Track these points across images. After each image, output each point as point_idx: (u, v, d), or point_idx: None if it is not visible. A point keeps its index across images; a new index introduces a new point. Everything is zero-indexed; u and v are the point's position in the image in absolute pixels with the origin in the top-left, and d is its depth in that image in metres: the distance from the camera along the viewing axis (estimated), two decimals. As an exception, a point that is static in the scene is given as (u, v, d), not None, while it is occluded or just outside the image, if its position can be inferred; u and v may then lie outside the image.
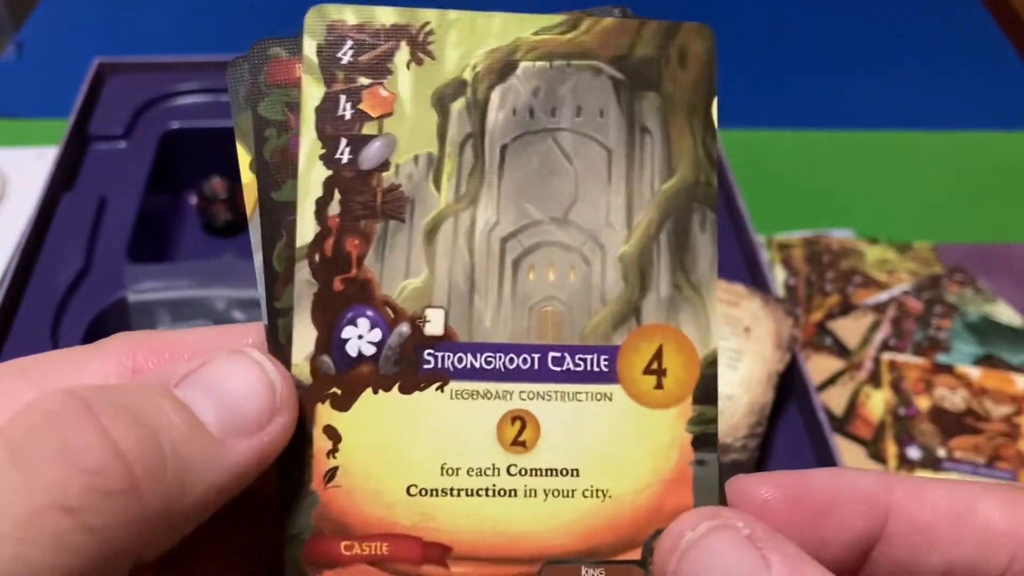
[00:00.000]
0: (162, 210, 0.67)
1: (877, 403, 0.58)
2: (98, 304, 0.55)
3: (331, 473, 0.18)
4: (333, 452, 0.18)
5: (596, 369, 0.19)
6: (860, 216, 0.72)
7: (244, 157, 0.19)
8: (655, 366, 0.19)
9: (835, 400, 0.58)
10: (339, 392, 0.18)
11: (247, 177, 0.19)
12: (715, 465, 0.19)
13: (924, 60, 0.91)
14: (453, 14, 0.19)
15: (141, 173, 0.64)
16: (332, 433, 0.18)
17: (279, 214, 0.19)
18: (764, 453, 0.50)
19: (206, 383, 0.17)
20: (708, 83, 0.20)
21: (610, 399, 0.19)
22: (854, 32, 0.94)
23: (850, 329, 0.62)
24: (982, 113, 0.84)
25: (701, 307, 0.19)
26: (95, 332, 0.54)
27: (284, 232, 0.19)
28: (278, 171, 0.19)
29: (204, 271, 0.57)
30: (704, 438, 0.19)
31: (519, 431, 0.19)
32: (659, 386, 0.19)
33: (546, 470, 0.19)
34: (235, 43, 0.87)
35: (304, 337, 0.19)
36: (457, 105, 0.19)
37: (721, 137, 0.70)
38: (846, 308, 0.64)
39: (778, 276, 0.66)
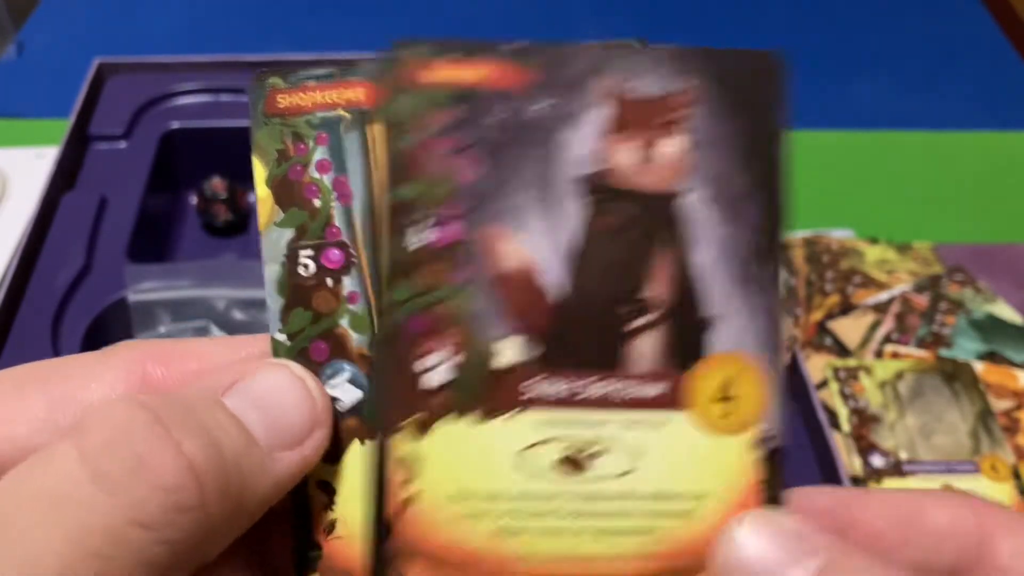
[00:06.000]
0: (162, 210, 0.67)
1: (877, 400, 0.58)
2: (98, 304, 0.55)
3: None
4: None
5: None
6: (860, 216, 0.72)
7: (260, 172, 0.19)
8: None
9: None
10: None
11: (263, 192, 0.19)
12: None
13: (924, 60, 0.91)
14: None
15: (141, 173, 0.64)
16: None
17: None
18: (764, 453, 0.50)
19: (252, 395, 0.17)
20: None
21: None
22: (854, 32, 0.94)
23: (850, 329, 0.62)
24: (982, 113, 0.84)
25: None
26: (95, 332, 0.54)
27: (286, 259, 0.19)
28: (278, 199, 0.19)
29: (204, 271, 0.57)
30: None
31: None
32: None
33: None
34: (235, 43, 0.87)
35: None
36: None
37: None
38: (846, 308, 0.64)
39: (778, 276, 0.66)
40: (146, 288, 0.55)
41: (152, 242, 0.63)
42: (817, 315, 0.63)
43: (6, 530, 0.14)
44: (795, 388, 0.53)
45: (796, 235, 0.69)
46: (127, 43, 0.88)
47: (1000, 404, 0.57)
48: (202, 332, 0.56)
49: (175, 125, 0.68)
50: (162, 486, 0.15)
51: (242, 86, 0.71)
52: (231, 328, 0.56)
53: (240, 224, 0.66)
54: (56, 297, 0.55)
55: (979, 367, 0.59)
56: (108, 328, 0.55)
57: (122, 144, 0.66)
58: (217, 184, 0.65)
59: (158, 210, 0.66)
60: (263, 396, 0.17)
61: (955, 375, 0.59)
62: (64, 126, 0.64)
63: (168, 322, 0.56)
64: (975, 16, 0.98)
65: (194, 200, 0.68)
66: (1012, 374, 0.59)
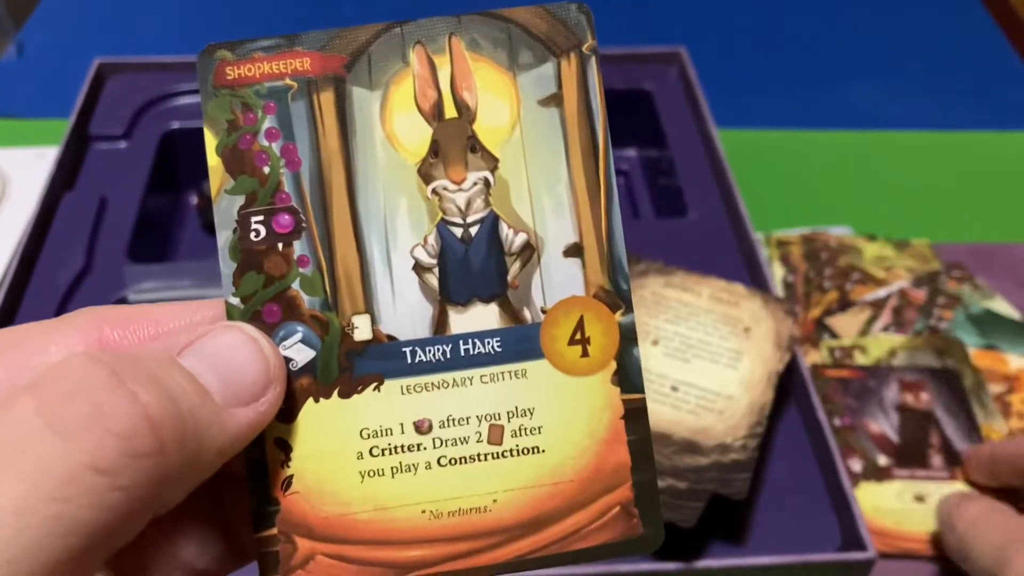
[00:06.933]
0: (162, 210, 0.67)
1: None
2: (98, 304, 0.55)
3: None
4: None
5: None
6: (858, 215, 0.72)
7: (211, 141, 0.20)
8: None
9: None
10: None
11: (213, 160, 0.20)
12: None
13: (924, 60, 0.91)
14: None
15: (141, 173, 0.64)
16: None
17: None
18: (764, 453, 0.50)
19: (207, 354, 0.18)
20: None
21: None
22: (853, 32, 0.94)
23: (848, 324, 0.62)
24: (982, 113, 0.84)
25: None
26: (95, 332, 0.54)
27: (237, 225, 0.20)
28: (229, 167, 0.20)
29: (204, 271, 0.57)
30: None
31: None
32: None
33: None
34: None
35: None
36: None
37: (720, 137, 0.70)
38: (844, 305, 0.64)
39: (777, 273, 0.66)
40: (146, 288, 0.55)
41: (152, 242, 0.63)
42: (815, 312, 0.63)
43: None
44: (795, 388, 0.53)
45: (794, 232, 0.70)
46: (127, 43, 0.88)
47: (992, 388, 0.58)
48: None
49: (175, 125, 0.68)
50: (118, 432, 0.15)
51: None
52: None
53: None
54: (56, 297, 0.55)
55: (971, 352, 0.60)
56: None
57: (122, 144, 0.67)
58: (217, 184, 0.65)
59: (158, 210, 0.66)
60: (218, 355, 0.18)
61: (947, 351, 0.59)
62: (64, 126, 0.64)
63: (168, 322, 0.56)
64: (975, 16, 0.98)
65: (194, 200, 0.68)
66: (1003, 358, 0.59)
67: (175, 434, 0.16)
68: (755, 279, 0.58)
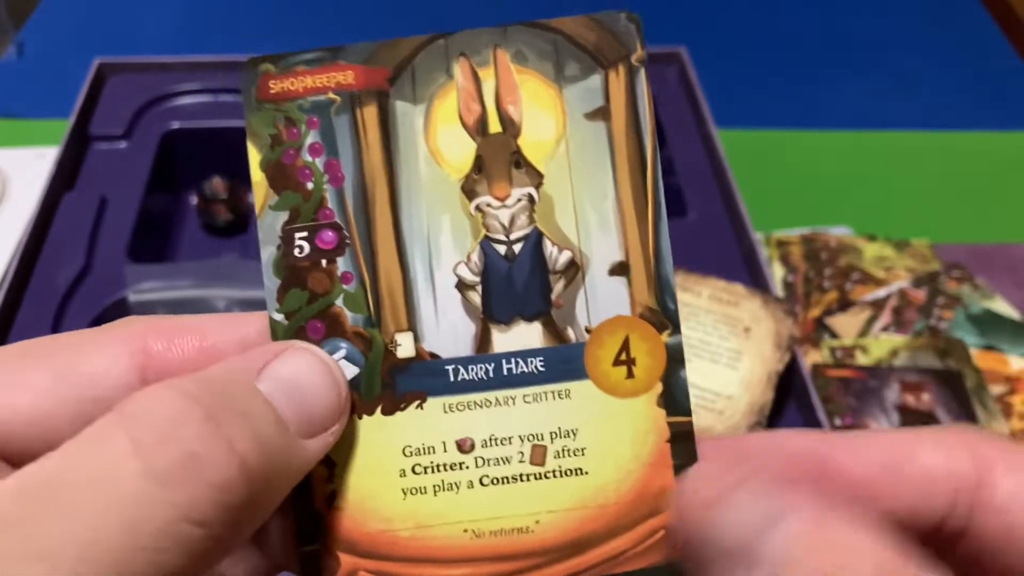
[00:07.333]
0: (162, 210, 0.67)
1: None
2: (98, 304, 0.55)
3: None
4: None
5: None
6: (858, 215, 0.72)
7: (255, 156, 0.20)
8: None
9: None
10: None
11: (257, 176, 0.20)
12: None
13: (924, 60, 0.91)
14: None
15: (141, 173, 0.64)
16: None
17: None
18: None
19: (282, 379, 0.18)
20: None
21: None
22: (853, 32, 0.94)
23: (847, 324, 0.62)
24: (982, 113, 0.84)
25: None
26: (95, 332, 0.54)
27: (281, 241, 0.20)
28: (272, 183, 0.20)
29: (204, 271, 0.57)
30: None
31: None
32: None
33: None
34: (235, 43, 0.87)
35: None
36: None
37: (720, 137, 0.70)
38: (844, 305, 0.64)
39: (776, 273, 0.66)
40: (146, 288, 0.55)
41: (152, 242, 0.63)
42: (815, 312, 0.63)
43: (64, 509, 0.14)
44: (795, 388, 0.53)
45: (794, 232, 0.70)
46: (127, 43, 0.88)
47: (993, 390, 0.58)
48: (202, 332, 0.56)
49: (175, 125, 0.68)
50: (216, 485, 0.15)
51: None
52: (231, 328, 0.56)
53: (240, 224, 0.67)
54: (56, 297, 0.55)
55: (972, 352, 0.60)
56: (108, 328, 0.55)
57: (122, 144, 0.67)
58: (217, 184, 0.65)
59: (158, 210, 0.66)
60: (293, 382, 0.18)
61: (948, 351, 0.59)
62: (64, 126, 0.64)
63: (168, 322, 0.56)
64: (975, 16, 0.98)
65: (194, 200, 0.68)
66: (1004, 359, 0.59)
67: (264, 479, 0.16)
68: (755, 279, 0.58)
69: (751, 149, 0.76)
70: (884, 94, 0.87)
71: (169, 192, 0.68)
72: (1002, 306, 0.64)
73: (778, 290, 0.58)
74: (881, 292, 0.65)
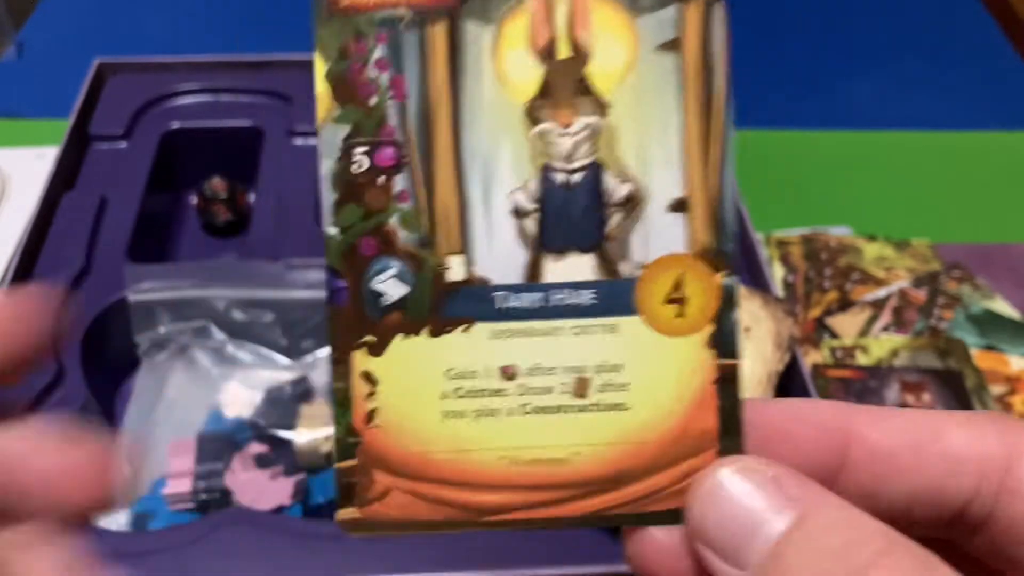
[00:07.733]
0: (162, 210, 0.67)
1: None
2: (98, 304, 0.55)
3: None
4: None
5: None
6: (858, 215, 0.72)
7: (320, 67, 0.19)
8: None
9: (834, 399, 0.58)
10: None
11: (322, 87, 0.19)
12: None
13: (924, 60, 0.91)
14: None
15: (141, 173, 0.64)
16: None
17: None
18: (763, 452, 0.50)
19: None
20: None
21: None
22: (853, 32, 0.94)
23: (848, 324, 0.62)
24: (982, 113, 0.84)
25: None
26: (95, 332, 0.54)
27: (341, 155, 0.19)
28: (336, 95, 0.20)
29: (204, 271, 0.57)
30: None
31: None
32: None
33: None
34: (235, 43, 0.87)
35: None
36: None
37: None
38: (844, 305, 0.64)
39: (777, 273, 0.66)
40: (146, 288, 0.55)
41: (152, 242, 0.63)
42: (816, 311, 0.63)
43: None
44: (795, 388, 0.53)
45: (794, 232, 0.70)
46: (127, 43, 0.88)
47: (993, 390, 0.58)
48: (202, 332, 0.56)
49: (175, 125, 0.68)
50: None
51: (242, 86, 0.71)
52: (231, 328, 0.56)
53: (240, 224, 0.66)
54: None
55: (972, 353, 0.60)
56: (108, 328, 0.55)
57: (122, 144, 0.67)
58: (217, 184, 0.65)
59: (158, 210, 0.66)
60: None
61: (949, 351, 0.59)
62: (64, 126, 0.64)
63: (167, 322, 0.56)
64: (975, 16, 0.98)
65: (194, 200, 0.68)
66: (1005, 359, 0.59)
67: None
68: (755, 279, 0.58)
69: (751, 149, 0.76)
70: (884, 94, 0.87)
71: (169, 192, 0.68)
72: (1002, 306, 0.64)
73: (778, 290, 0.58)
74: (881, 292, 0.65)
